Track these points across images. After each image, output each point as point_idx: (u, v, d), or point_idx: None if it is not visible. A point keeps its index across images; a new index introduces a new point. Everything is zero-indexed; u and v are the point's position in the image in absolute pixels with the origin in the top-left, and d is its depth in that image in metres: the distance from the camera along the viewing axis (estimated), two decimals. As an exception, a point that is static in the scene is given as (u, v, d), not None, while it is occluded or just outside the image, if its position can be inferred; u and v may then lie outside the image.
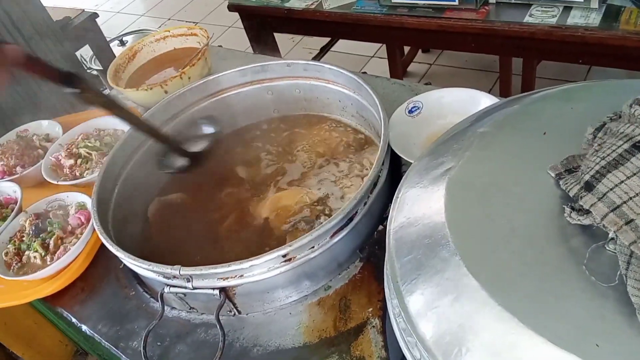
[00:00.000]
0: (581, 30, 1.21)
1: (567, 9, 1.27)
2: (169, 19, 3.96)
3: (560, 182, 0.50)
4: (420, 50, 2.67)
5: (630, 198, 0.42)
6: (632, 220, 0.41)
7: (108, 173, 0.91)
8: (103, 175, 0.89)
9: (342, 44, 2.49)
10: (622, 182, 0.43)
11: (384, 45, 2.48)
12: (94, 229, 0.89)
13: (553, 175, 0.51)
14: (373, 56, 2.89)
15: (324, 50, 2.41)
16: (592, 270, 0.44)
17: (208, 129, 0.99)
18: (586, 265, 0.44)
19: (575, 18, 1.24)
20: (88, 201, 0.94)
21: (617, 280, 0.42)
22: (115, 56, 2.35)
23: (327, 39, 2.32)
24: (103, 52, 2.49)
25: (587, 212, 0.45)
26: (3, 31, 1.61)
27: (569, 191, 0.47)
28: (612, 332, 0.41)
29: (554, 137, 0.57)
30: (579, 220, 0.46)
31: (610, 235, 0.44)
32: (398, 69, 2.24)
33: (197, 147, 0.94)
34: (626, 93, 0.53)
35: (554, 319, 0.42)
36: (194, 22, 3.76)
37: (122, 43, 3.17)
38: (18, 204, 0.97)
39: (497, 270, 0.47)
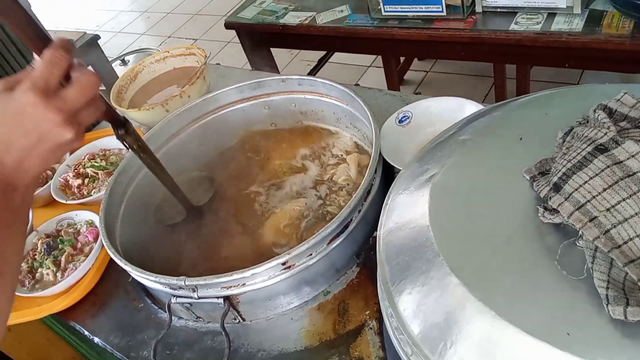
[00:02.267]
0: (565, 36, 1.25)
1: (551, 15, 1.31)
2: (169, 37, 4.03)
3: (534, 184, 0.53)
4: (416, 58, 2.72)
5: (594, 197, 0.46)
6: (595, 217, 0.45)
7: (114, 191, 0.95)
8: (110, 193, 0.93)
9: (339, 55, 2.55)
10: (586, 182, 0.46)
11: (377, 55, 2.53)
12: (103, 245, 0.93)
13: (528, 178, 0.55)
14: (370, 66, 2.93)
15: (321, 62, 2.46)
16: (564, 265, 0.47)
17: (206, 187, 1.05)
18: (558, 260, 0.48)
19: (559, 24, 1.28)
20: (96, 218, 0.98)
21: (585, 273, 0.46)
22: (117, 76, 2.40)
23: (324, 52, 2.38)
24: (105, 73, 2.55)
25: (557, 211, 0.49)
26: (7, 56, 1.66)
27: (540, 192, 0.51)
28: (582, 321, 0.44)
29: (529, 142, 0.60)
30: (550, 219, 0.50)
31: (579, 232, 0.48)
32: (394, 78, 2.28)
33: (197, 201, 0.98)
34: (597, 98, 0.56)
35: (528, 311, 0.45)
36: (193, 39, 3.83)
37: (124, 62, 3.24)
38: (30, 223, 1.01)
39: (477, 268, 0.50)
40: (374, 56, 2.91)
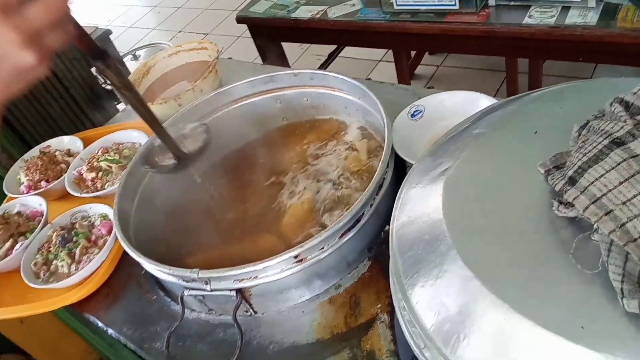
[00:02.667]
0: (579, 29, 1.24)
1: (565, 8, 1.30)
2: (180, 32, 4.04)
3: (548, 178, 0.53)
4: (427, 53, 2.71)
5: (610, 190, 0.45)
6: (611, 210, 0.45)
7: (128, 184, 0.96)
8: (123, 186, 0.94)
9: (349, 50, 2.54)
10: (602, 175, 0.46)
11: (389, 49, 2.52)
12: (117, 238, 0.94)
13: (542, 171, 0.55)
14: (380, 60, 2.92)
15: (331, 56, 2.45)
16: (579, 259, 0.47)
17: (200, 133, 0.98)
18: (573, 254, 0.48)
19: (574, 17, 1.27)
20: (110, 211, 0.99)
21: (600, 267, 0.46)
22: (129, 71, 2.42)
23: (335, 46, 2.37)
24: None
25: (572, 205, 0.48)
26: (22, 51, 1.68)
27: (555, 186, 0.51)
28: (596, 314, 0.44)
29: (544, 136, 0.60)
30: (565, 213, 0.49)
31: (594, 226, 0.47)
32: (405, 72, 2.27)
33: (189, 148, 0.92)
34: (612, 91, 0.56)
35: (543, 305, 0.45)
36: (203, 34, 3.84)
37: (135, 57, 3.25)
38: (44, 216, 1.02)
39: (491, 261, 0.50)
40: (385, 50, 2.90)
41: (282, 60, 1.99)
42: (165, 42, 3.60)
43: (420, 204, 0.61)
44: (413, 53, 2.53)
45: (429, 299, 0.53)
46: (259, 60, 2.07)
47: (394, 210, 0.65)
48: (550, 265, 0.48)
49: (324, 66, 2.45)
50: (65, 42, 0.54)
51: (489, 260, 0.51)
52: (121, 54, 2.71)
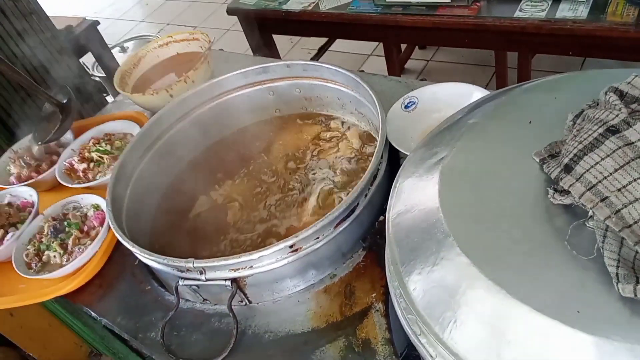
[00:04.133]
0: (570, 23, 1.25)
1: (556, 2, 1.31)
2: (168, 24, 4.00)
3: (544, 166, 0.54)
4: (417, 47, 2.71)
5: (605, 177, 0.46)
6: (606, 197, 0.45)
7: (120, 175, 0.95)
8: (116, 177, 0.93)
9: (340, 44, 2.53)
10: (597, 163, 0.47)
11: (381, 43, 2.52)
12: (109, 229, 0.93)
13: (537, 160, 0.56)
14: (371, 54, 2.92)
15: (322, 50, 2.44)
16: (574, 245, 0.48)
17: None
18: (568, 240, 0.49)
19: (564, 11, 1.28)
20: (102, 202, 0.98)
21: (595, 253, 0.47)
22: (117, 62, 2.39)
23: (325, 39, 2.37)
24: (105, 59, 2.54)
25: (568, 192, 0.49)
26: (9, 41, 1.65)
27: (550, 174, 0.51)
28: (591, 299, 0.45)
29: (538, 125, 0.61)
30: (560, 200, 0.50)
31: (590, 213, 0.48)
32: (395, 66, 2.27)
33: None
34: (605, 82, 0.56)
35: (539, 290, 0.46)
36: (192, 27, 3.80)
37: (123, 49, 3.22)
38: (35, 207, 1.01)
39: (487, 248, 0.51)
40: (375, 44, 2.90)
41: (272, 53, 1.98)
42: (154, 35, 3.56)
43: (417, 193, 0.62)
44: (403, 47, 2.53)
45: (426, 286, 0.53)
46: (249, 53, 2.06)
47: (389, 199, 0.66)
48: (546, 252, 0.49)
49: (314, 59, 2.44)
50: None
51: (486, 246, 0.51)
52: (109, 46, 2.67)
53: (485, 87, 0.90)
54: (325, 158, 1.03)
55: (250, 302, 0.81)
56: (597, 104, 0.55)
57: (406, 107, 0.95)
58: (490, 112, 0.68)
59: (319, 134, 1.09)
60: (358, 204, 0.79)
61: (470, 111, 0.71)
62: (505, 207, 0.54)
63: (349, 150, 1.02)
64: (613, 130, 0.48)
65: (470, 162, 0.61)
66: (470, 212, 0.55)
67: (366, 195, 0.80)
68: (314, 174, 1.00)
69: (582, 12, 1.26)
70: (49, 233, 0.94)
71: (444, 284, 0.51)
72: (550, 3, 1.31)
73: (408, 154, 0.85)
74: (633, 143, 0.46)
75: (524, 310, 0.45)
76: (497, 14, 1.36)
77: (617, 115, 0.48)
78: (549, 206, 0.52)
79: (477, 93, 0.89)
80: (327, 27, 1.70)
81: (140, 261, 0.88)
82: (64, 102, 1.15)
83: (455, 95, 0.91)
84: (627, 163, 0.45)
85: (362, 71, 1.20)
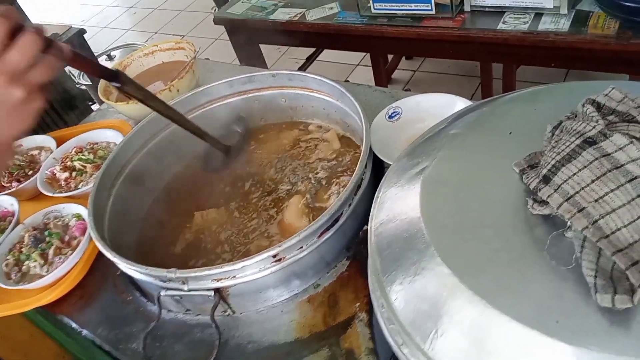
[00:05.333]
0: (552, 36, 1.27)
1: (538, 15, 1.33)
2: (156, 33, 4.00)
3: (523, 177, 0.54)
4: (403, 57, 2.74)
5: (582, 188, 0.47)
6: (584, 208, 0.46)
7: (102, 184, 0.94)
8: (97, 186, 0.92)
9: (327, 54, 2.55)
10: (575, 174, 0.47)
11: (368, 53, 2.54)
12: (91, 239, 0.92)
13: (517, 170, 0.56)
14: (358, 64, 2.94)
15: (309, 59, 2.46)
16: (553, 255, 0.49)
17: (237, 127, 1.11)
18: (547, 250, 0.49)
19: (546, 24, 1.30)
20: (84, 212, 0.97)
21: (574, 263, 0.47)
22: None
23: (313, 49, 2.38)
24: (91, 68, 2.52)
25: (546, 203, 0.50)
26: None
27: (529, 184, 0.52)
28: (570, 309, 0.45)
29: (518, 136, 0.62)
30: (539, 210, 0.51)
31: (568, 223, 0.49)
32: (382, 76, 2.29)
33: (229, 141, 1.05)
34: (584, 94, 0.57)
35: (518, 300, 0.46)
36: (180, 36, 3.80)
37: (110, 58, 3.20)
38: (15, 216, 1.00)
39: (468, 258, 0.51)
40: (362, 55, 2.92)
41: (260, 63, 1.99)
42: (141, 43, 3.55)
43: (399, 203, 0.62)
44: (390, 57, 2.56)
45: (407, 296, 0.53)
46: (236, 62, 2.06)
47: (372, 209, 0.66)
48: (525, 262, 0.49)
49: (301, 69, 2.45)
50: (50, 74, 0.61)
51: (466, 257, 0.52)
52: (96, 54, 2.66)
53: (471, 97, 0.92)
54: (306, 160, 1.04)
55: (233, 312, 0.81)
56: (576, 116, 0.56)
57: (390, 117, 0.95)
58: (472, 123, 0.69)
59: (298, 138, 1.10)
60: (342, 213, 0.79)
61: (452, 122, 0.72)
62: (486, 217, 0.54)
63: (330, 152, 1.04)
64: (590, 142, 0.48)
65: (452, 173, 0.61)
66: (451, 222, 0.56)
67: (350, 205, 0.80)
68: (296, 176, 1.01)
69: (564, 24, 1.28)
70: (30, 243, 0.93)
71: (425, 294, 0.51)
72: (532, 16, 1.33)
73: (391, 163, 0.86)
74: (610, 154, 0.47)
75: (504, 320, 0.45)
76: (481, 26, 1.37)
77: (594, 127, 0.49)
78: (528, 216, 0.52)
79: (460, 103, 0.90)
80: (314, 38, 1.70)
81: (122, 271, 0.87)
82: (231, 144, 1.05)
83: (438, 106, 0.92)
84: (604, 174, 0.46)
85: (348, 81, 1.21)
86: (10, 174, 1.11)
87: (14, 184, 1.10)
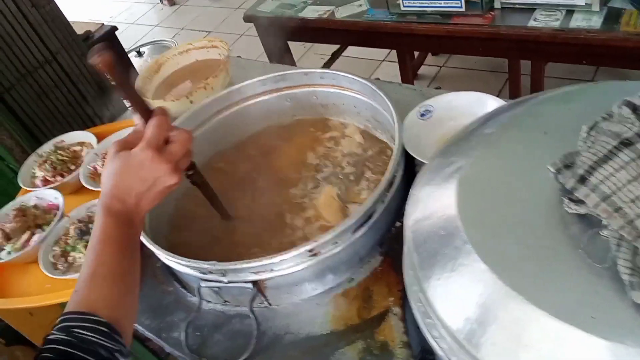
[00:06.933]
0: (584, 33, 1.26)
1: (570, 12, 1.33)
2: (182, 29, 4.05)
3: (559, 177, 0.56)
4: (430, 53, 2.73)
5: (619, 189, 0.48)
6: (620, 208, 0.47)
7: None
8: (139, 181, 0.96)
9: (352, 50, 2.56)
10: (611, 175, 0.49)
11: (394, 50, 2.55)
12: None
13: (553, 170, 0.57)
14: (383, 60, 2.95)
15: (335, 55, 2.47)
16: (589, 253, 0.50)
17: None
18: (583, 248, 0.50)
19: (578, 21, 1.30)
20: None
21: (609, 261, 0.48)
22: (133, 67, 2.44)
23: (338, 45, 2.39)
24: (122, 63, 2.58)
25: (582, 202, 0.51)
26: (32, 47, 1.70)
27: (566, 184, 0.53)
28: (606, 306, 0.46)
29: (553, 136, 0.63)
30: (575, 209, 0.52)
31: (604, 222, 0.50)
32: (408, 72, 2.30)
33: None
34: (619, 94, 0.58)
35: (555, 296, 0.48)
36: (206, 32, 3.85)
37: (140, 54, 3.27)
38: (60, 209, 1.05)
39: (505, 255, 0.53)
40: (388, 51, 2.92)
41: (288, 59, 2.01)
42: (169, 40, 3.61)
43: (434, 201, 0.64)
44: (416, 53, 2.55)
45: (445, 291, 0.55)
46: (262, 58, 2.09)
47: (407, 206, 0.68)
48: (561, 259, 0.51)
49: (327, 65, 2.47)
50: (189, 163, 0.79)
51: (503, 254, 0.53)
52: (126, 50, 2.72)
53: (498, 94, 0.92)
54: (332, 155, 1.07)
55: (270, 304, 0.84)
56: (611, 117, 0.57)
57: (422, 115, 0.97)
58: (506, 123, 0.70)
59: (320, 135, 1.13)
60: (375, 210, 0.81)
61: (486, 121, 0.73)
62: (521, 215, 0.56)
63: (354, 146, 1.06)
64: (626, 143, 0.49)
65: (487, 172, 0.63)
66: (487, 220, 0.57)
67: (383, 201, 0.82)
68: (324, 171, 1.03)
69: (596, 22, 1.28)
70: (75, 234, 0.98)
71: (463, 289, 0.53)
72: (564, 13, 1.33)
73: (423, 161, 0.88)
74: (646, 156, 0.48)
75: (541, 315, 0.47)
76: (511, 23, 1.37)
77: (630, 129, 0.50)
78: (564, 215, 0.54)
79: (492, 102, 0.91)
80: (343, 35, 1.72)
81: (162, 263, 0.91)
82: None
83: (470, 104, 0.93)
84: (641, 175, 0.47)
85: (378, 79, 1.22)
86: (55, 169, 1.16)
87: (58, 178, 1.15)
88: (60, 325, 0.61)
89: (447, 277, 0.55)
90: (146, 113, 0.73)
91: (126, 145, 0.71)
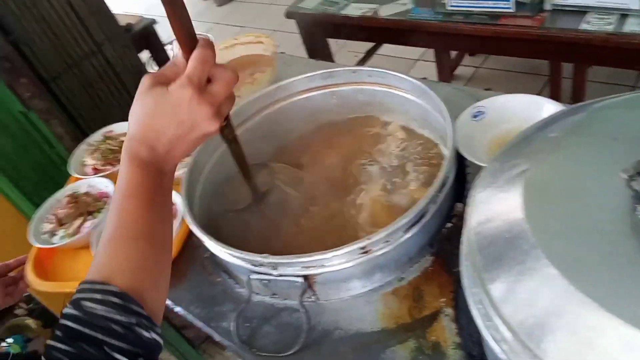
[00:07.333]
0: (638, 38, 1.24)
1: (624, 16, 1.30)
2: (216, 23, 4.09)
3: (632, 183, 0.55)
4: (467, 53, 2.70)
5: (699, 197, 0.47)
6: (701, 217, 0.46)
7: (193, 170, 1.00)
8: (190, 171, 0.98)
9: (385, 48, 2.55)
10: (691, 183, 0.48)
11: (430, 49, 2.53)
12: (182, 221, 0.98)
13: (626, 176, 0.56)
14: (419, 59, 2.93)
15: (369, 53, 2.46)
16: (664, 262, 0.49)
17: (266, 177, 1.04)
18: (658, 257, 0.50)
19: (633, 25, 1.27)
20: (175, 195, 1.02)
21: (686, 270, 0.48)
22: (170, 59, 2.48)
23: (372, 43, 2.38)
24: (160, 56, 2.62)
25: (659, 210, 0.50)
26: (78, 37, 1.74)
27: (640, 191, 0.52)
28: (684, 316, 0.46)
29: (623, 142, 0.62)
30: (650, 217, 0.51)
31: (681, 231, 0.49)
32: (446, 72, 2.28)
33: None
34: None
35: (630, 303, 0.47)
36: (240, 26, 3.88)
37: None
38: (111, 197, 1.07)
39: (576, 261, 0.52)
40: (423, 49, 2.90)
41: (327, 55, 2.02)
42: (203, 33, 3.64)
43: (498, 204, 0.64)
44: (453, 53, 2.53)
45: (510, 295, 0.55)
46: (298, 53, 2.09)
47: (467, 208, 0.68)
48: (635, 266, 0.50)
49: (361, 63, 2.46)
50: (230, 109, 0.65)
51: (574, 259, 0.53)
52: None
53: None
54: (376, 153, 1.07)
55: (318, 299, 0.84)
56: (687, 125, 0.56)
57: (475, 116, 0.96)
58: (570, 127, 0.69)
59: (366, 132, 1.13)
60: (427, 210, 0.81)
61: (548, 125, 0.72)
62: (592, 221, 0.55)
63: (398, 141, 1.07)
64: None
65: (554, 175, 0.62)
66: (556, 225, 0.57)
67: (435, 202, 0.82)
68: (370, 168, 1.04)
69: (652, 26, 1.25)
70: (126, 223, 0.99)
71: (531, 294, 0.53)
72: (617, 17, 1.30)
73: (476, 162, 0.87)
74: None
75: (617, 323, 0.46)
76: (562, 25, 1.35)
77: None
78: (637, 222, 0.53)
79: (548, 106, 0.90)
80: (384, 33, 1.72)
81: (210, 253, 0.92)
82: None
83: (525, 107, 0.92)
84: None
85: (426, 78, 1.21)
86: (105, 158, 1.18)
87: (108, 167, 1.17)
88: (73, 298, 0.53)
89: (514, 281, 0.55)
90: (190, 42, 0.61)
91: (162, 79, 0.60)
